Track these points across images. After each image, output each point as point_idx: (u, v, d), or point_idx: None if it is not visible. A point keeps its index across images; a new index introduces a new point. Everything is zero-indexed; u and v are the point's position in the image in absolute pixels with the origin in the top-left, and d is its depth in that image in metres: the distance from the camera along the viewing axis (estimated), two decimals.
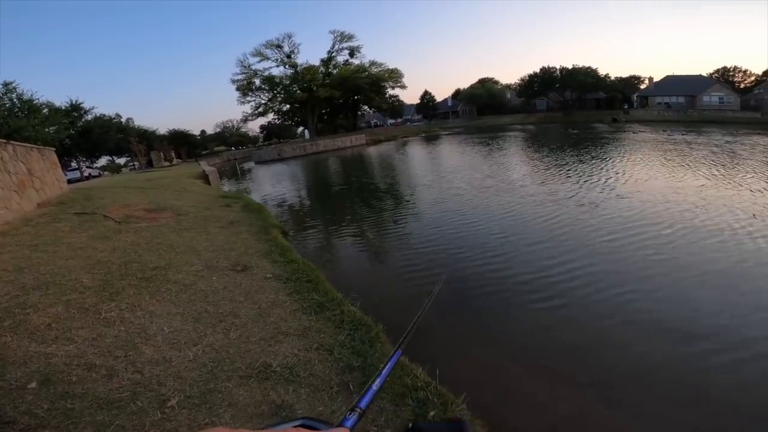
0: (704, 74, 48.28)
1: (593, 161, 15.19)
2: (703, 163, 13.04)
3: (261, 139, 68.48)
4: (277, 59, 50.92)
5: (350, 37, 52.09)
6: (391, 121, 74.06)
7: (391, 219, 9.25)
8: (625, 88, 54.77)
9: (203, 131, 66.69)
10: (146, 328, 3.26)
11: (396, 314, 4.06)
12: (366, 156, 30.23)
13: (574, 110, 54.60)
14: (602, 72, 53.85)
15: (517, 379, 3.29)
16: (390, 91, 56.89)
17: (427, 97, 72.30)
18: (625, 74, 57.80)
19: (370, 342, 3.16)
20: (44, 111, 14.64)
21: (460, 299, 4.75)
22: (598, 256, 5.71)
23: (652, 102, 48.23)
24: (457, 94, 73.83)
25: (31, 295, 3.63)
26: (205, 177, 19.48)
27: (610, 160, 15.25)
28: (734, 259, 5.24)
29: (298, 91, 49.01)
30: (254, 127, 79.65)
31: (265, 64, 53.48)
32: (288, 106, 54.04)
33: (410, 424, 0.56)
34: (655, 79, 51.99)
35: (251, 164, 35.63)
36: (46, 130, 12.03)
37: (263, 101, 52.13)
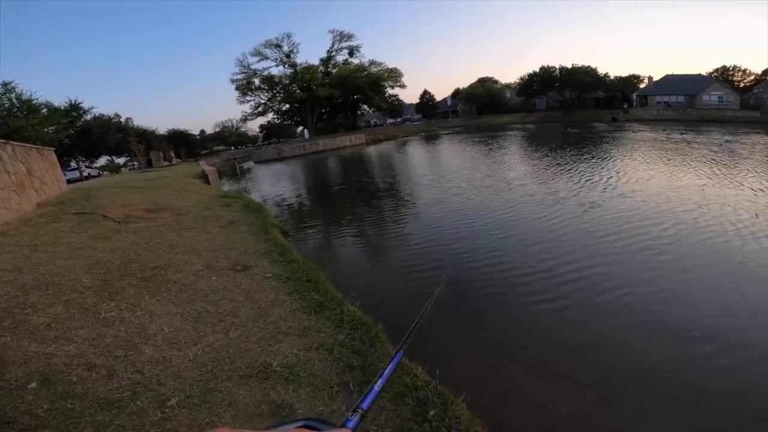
0: (704, 73, 48.33)
1: (593, 160, 15.19)
2: (704, 162, 13.03)
3: (260, 139, 68.56)
4: (276, 59, 50.93)
5: (350, 37, 52.12)
6: (391, 120, 74.06)
7: (390, 219, 9.25)
8: (624, 88, 54.76)
9: (203, 131, 66.78)
10: (146, 328, 3.26)
11: (396, 314, 4.07)
12: (365, 155, 30.22)
13: (573, 109, 54.59)
14: (602, 71, 53.98)
15: (517, 378, 3.29)
16: (389, 91, 56.92)
17: (426, 96, 72.29)
18: (624, 73, 57.85)
19: (369, 341, 3.16)
20: (43, 111, 14.60)
21: (459, 299, 4.75)
22: (599, 256, 5.69)
23: (652, 101, 48.23)
24: (457, 93, 73.81)
25: (31, 295, 3.63)
26: (204, 177, 19.47)
27: (611, 160, 15.24)
28: (737, 260, 5.19)
29: (298, 91, 48.97)
30: (254, 126, 79.68)
31: (265, 63, 53.65)
32: (287, 105, 53.99)
33: None
34: (654, 79, 52.06)
35: (251, 164, 35.61)
36: (46, 130, 12.00)
37: (263, 101, 52.13)
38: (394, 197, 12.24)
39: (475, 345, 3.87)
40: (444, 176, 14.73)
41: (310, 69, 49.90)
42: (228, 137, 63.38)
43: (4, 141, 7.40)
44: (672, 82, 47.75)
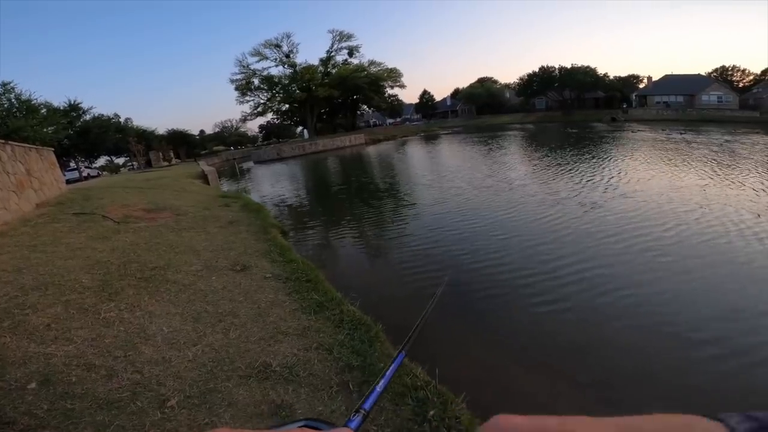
0: (703, 73, 48.37)
1: (594, 160, 15.19)
2: (704, 162, 13.04)
3: (260, 139, 68.54)
4: (275, 59, 50.94)
5: (349, 37, 52.13)
6: (390, 120, 74.05)
7: (390, 219, 9.25)
8: (623, 88, 54.77)
9: (202, 131, 66.75)
10: (145, 328, 3.26)
11: (395, 314, 4.07)
12: (365, 155, 30.22)
13: (573, 109, 54.63)
14: (601, 71, 54.00)
15: (517, 379, 3.29)
16: (389, 91, 56.96)
17: (426, 96, 72.30)
18: (623, 73, 57.93)
19: (369, 341, 3.16)
20: (42, 111, 14.59)
21: (459, 299, 4.75)
22: (600, 257, 5.68)
23: (651, 101, 48.27)
24: (456, 93, 73.85)
25: (30, 296, 3.62)
26: (204, 177, 19.46)
27: (611, 160, 15.25)
28: (740, 261, 5.15)
29: (297, 91, 48.97)
30: (253, 126, 79.91)
31: (264, 63, 53.73)
32: (287, 105, 54.00)
33: None
34: (653, 79, 52.05)
35: (250, 164, 35.60)
36: (45, 130, 12.00)
37: (262, 101, 52.13)
38: (393, 197, 12.24)
39: (475, 345, 3.87)
40: (444, 176, 14.73)
41: (309, 69, 49.90)
42: (227, 137, 63.34)
43: (3, 141, 7.40)
44: (671, 82, 47.79)
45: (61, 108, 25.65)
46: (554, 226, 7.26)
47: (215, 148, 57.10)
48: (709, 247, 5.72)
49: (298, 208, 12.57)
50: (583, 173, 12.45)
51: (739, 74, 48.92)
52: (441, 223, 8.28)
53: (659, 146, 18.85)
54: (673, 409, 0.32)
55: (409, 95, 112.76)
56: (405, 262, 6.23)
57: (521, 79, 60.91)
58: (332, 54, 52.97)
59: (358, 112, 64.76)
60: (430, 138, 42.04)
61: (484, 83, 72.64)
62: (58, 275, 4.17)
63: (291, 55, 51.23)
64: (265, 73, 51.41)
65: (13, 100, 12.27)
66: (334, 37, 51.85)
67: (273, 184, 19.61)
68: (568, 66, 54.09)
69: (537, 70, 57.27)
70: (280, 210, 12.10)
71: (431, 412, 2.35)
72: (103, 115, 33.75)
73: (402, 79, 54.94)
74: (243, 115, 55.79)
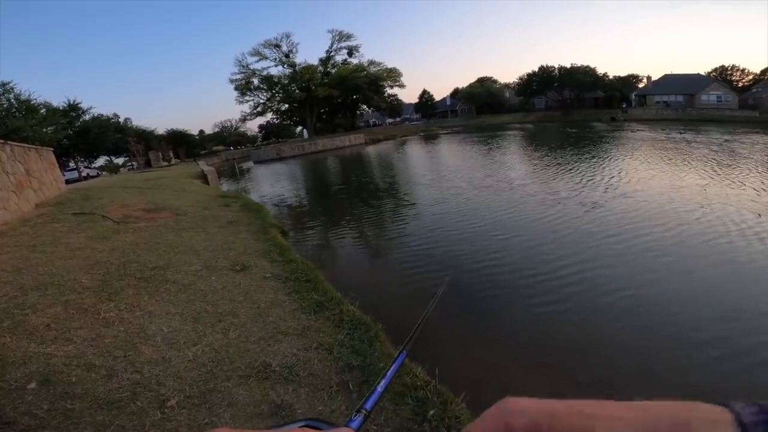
0: (702, 73, 48.40)
1: (594, 160, 15.18)
2: (705, 162, 13.04)
3: (260, 139, 68.54)
4: (275, 59, 50.93)
5: (349, 37, 52.14)
6: (390, 120, 74.04)
7: (390, 219, 9.24)
8: (623, 87, 54.77)
9: (202, 131, 66.75)
10: (145, 328, 3.25)
11: (395, 314, 4.06)
12: (365, 155, 30.21)
13: (572, 109, 54.64)
14: (600, 71, 53.99)
15: (517, 378, 3.29)
16: (388, 91, 56.96)
17: (425, 96, 72.30)
18: (623, 73, 57.87)
19: (369, 341, 3.16)
20: (42, 111, 14.57)
21: (459, 299, 4.74)
22: (601, 257, 5.67)
23: (651, 101, 48.30)
24: (456, 93, 73.83)
25: (30, 296, 3.62)
26: (203, 177, 19.45)
27: (611, 159, 15.24)
28: (741, 260, 5.14)
29: (297, 91, 48.97)
30: (253, 126, 79.83)
31: (264, 63, 53.72)
32: (286, 105, 54.00)
33: None
34: (653, 78, 52.12)
35: (250, 164, 35.59)
36: (44, 130, 11.97)
37: (262, 101, 52.14)
38: (393, 197, 12.24)
39: (475, 345, 3.86)
40: (444, 176, 14.72)
41: (309, 69, 49.89)
42: (227, 137, 63.34)
43: (2, 141, 7.39)
44: (671, 82, 47.81)
45: (61, 108, 25.69)
46: (555, 226, 7.25)
47: (215, 148, 57.11)
48: (710, 247, 5.70)
49: (298, 208, 12.56)
50: (583, 173, 12.44)
51: (738, 74, 48.96)
52: (441, 223, 8.27)
53: (659, 146, 18.85)
54: None
55: (408, 95, 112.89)
56: (405, 262, 6.22)
57: (521, 78, 60.90)
58: (332, 54, 53.05)
59: (358, 112, 64.75)
60: (429, 138, 42.03)
61: (484, 83, 72.64)
62: (58, 275, 4.17)
63: (290, 55, 51.28)
64: (264, 73, 51.50)
65: (12, 100, 12.24)
66: (333, 36, 51.93)
67: (272, 184, 19.60)
68: (568, 66, 54.17)
69: (536, 69, 57.28)
70: (279, 210, 12.09)
71: (431, 412, 2.34)
72: (102, 115, 33.86)
73: (401, 78, 55.08)
74: (242, 115, 55.88)
